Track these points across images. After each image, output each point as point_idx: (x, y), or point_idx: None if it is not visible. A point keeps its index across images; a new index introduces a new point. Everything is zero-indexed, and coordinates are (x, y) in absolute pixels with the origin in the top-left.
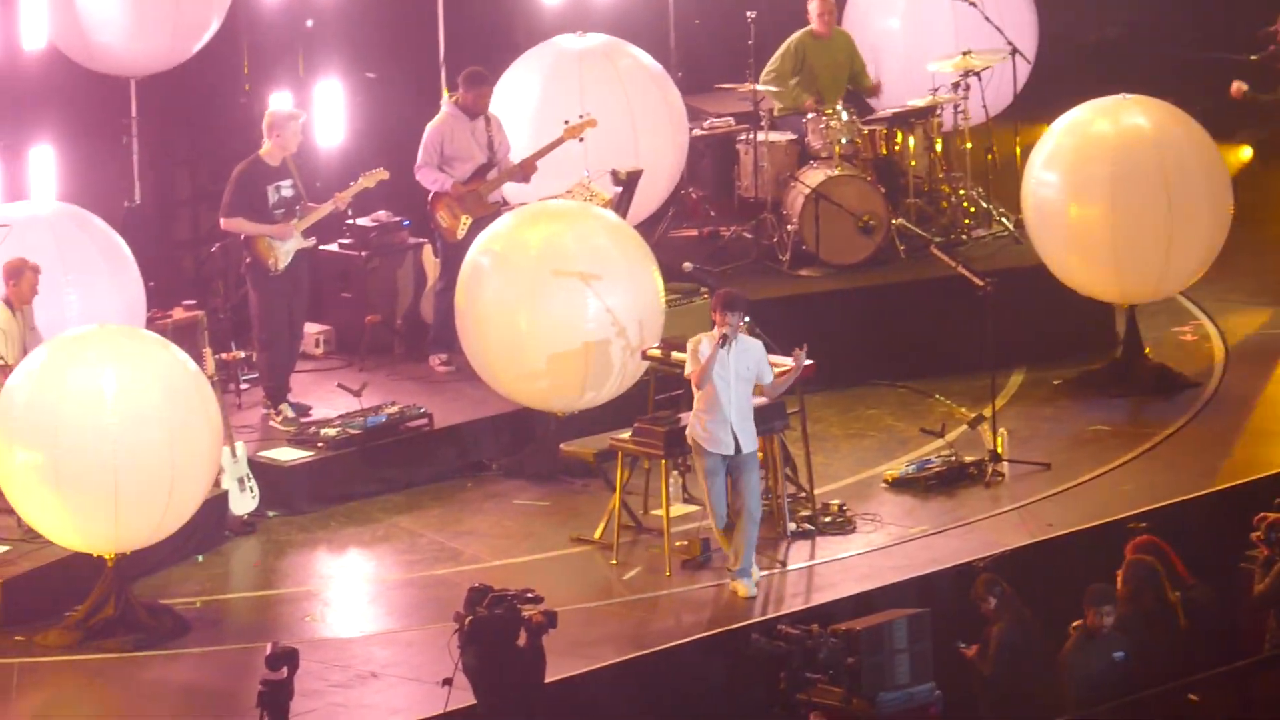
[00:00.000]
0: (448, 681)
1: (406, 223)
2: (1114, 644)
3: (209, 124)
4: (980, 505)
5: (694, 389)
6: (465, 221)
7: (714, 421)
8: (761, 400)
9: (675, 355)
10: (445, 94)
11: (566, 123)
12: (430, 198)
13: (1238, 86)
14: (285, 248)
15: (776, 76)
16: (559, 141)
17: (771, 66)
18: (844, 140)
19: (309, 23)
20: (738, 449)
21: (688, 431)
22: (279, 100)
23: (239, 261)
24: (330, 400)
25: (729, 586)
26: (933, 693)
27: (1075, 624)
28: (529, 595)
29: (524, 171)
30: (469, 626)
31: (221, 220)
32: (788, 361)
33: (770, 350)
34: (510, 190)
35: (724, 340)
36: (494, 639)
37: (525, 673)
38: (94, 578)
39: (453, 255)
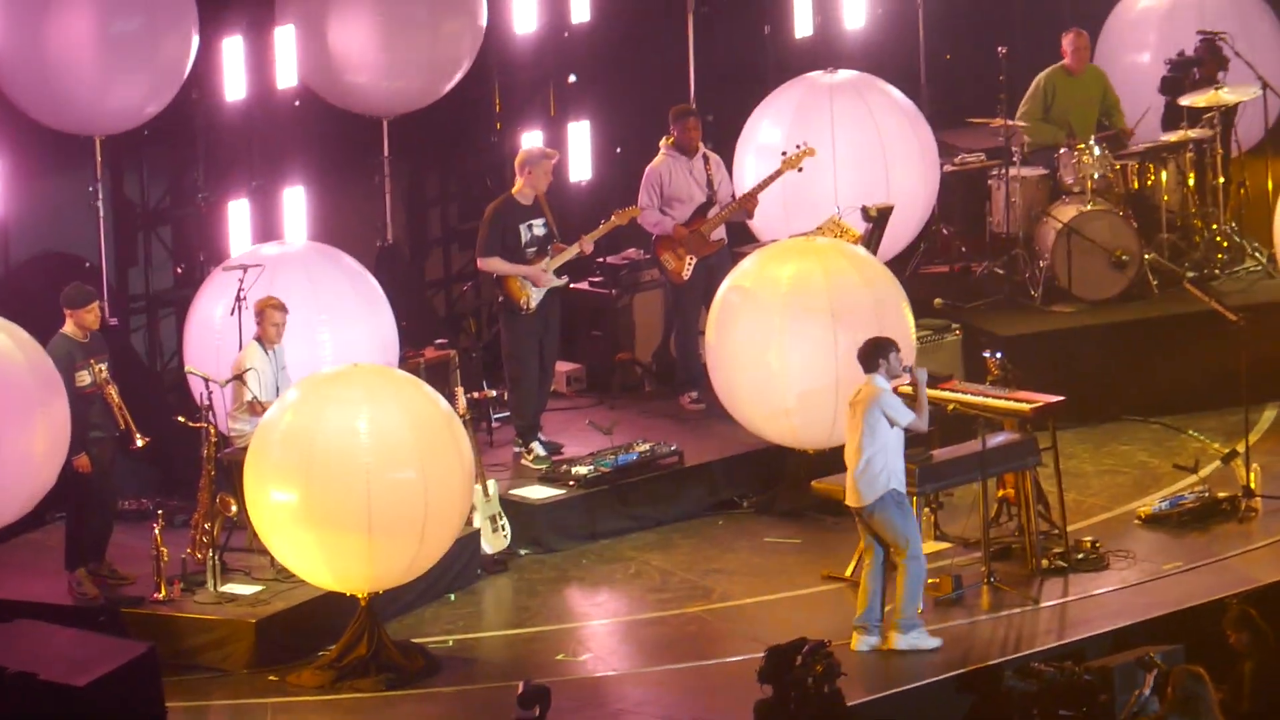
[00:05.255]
0: None
1: (655, 260)
2: None
3: (460, 163)
4: (1234, 541)
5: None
6: (690, 262)
7: (901, 459)
8: None
9: (929, 393)
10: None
11: (784, 154)
12: (654, 240)
13: None
14: (538, 287)
15: (1027, 116)
16: (778, 174)
17: (1023, 109)
18: (1096, 175)
19: (572, 78)
20: None
21: (883, 482)
22: (530, 140)
23: (491, 300)
24: (581, 438)
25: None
26: None
27: None
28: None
29: (745, 207)
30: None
31: (478, 260)
32: None
33: (1022, 386)
34: (762, 226)
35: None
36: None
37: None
38: (347, 617)
39: (682, 296)
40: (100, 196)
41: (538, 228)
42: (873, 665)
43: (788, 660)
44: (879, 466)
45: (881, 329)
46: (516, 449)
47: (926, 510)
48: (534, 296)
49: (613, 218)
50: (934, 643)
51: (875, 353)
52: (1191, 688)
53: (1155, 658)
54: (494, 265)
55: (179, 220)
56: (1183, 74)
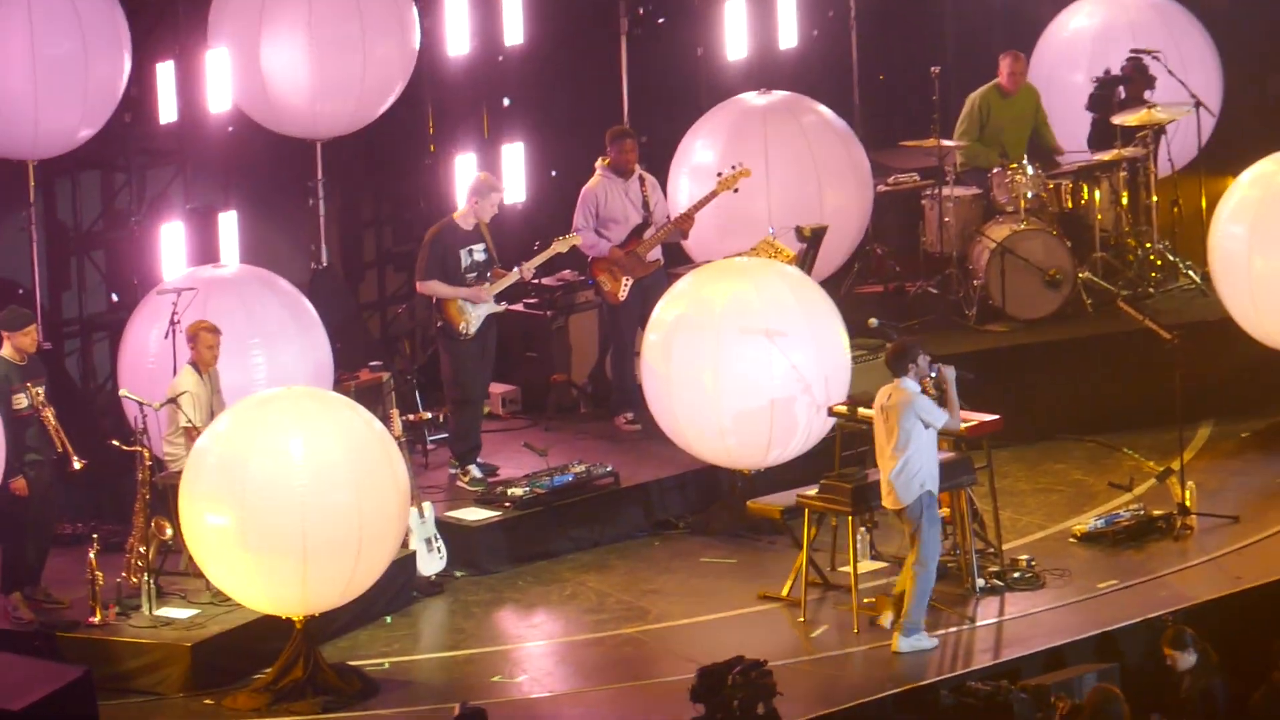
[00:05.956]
0: None
1: (591, 282)
2: None
3: (394, 186)
4: (1169, 559)
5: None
6: (626, 283)
7: (936, 460)
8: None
9: (861, 411)
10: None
11: (720, 175)
12: (590, 261)
13: None
14: (477, 312)
15: (964, 136)
16: (714, 194)
17: (959, 130)
18: (1029, 194)
19: (506, 102)
20: None
21: (918, 483)
22: (464, 163)
23: (426, 322)
24: (517, 460)
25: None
26: None
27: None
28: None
29: (681, 227)
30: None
31: (417, 284)
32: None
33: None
34: (696, 247)
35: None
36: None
37: None
38: (282, 640)
39: (619, 317)
40: (33, 220)
41: (478, 253)
42: (810, 684)
43: (719, 679)
44: (915, 468)
45: (818, 349)
46: (452, 470)
47: (862, 530)
48: (473, 321)
49: (554, 244)
50: (932, 642)
51: (904, 356)
52: (1105, 708)
53: (1084, 679)
54: (433, 289)
55: (112, 244)
56: (1109, 92)
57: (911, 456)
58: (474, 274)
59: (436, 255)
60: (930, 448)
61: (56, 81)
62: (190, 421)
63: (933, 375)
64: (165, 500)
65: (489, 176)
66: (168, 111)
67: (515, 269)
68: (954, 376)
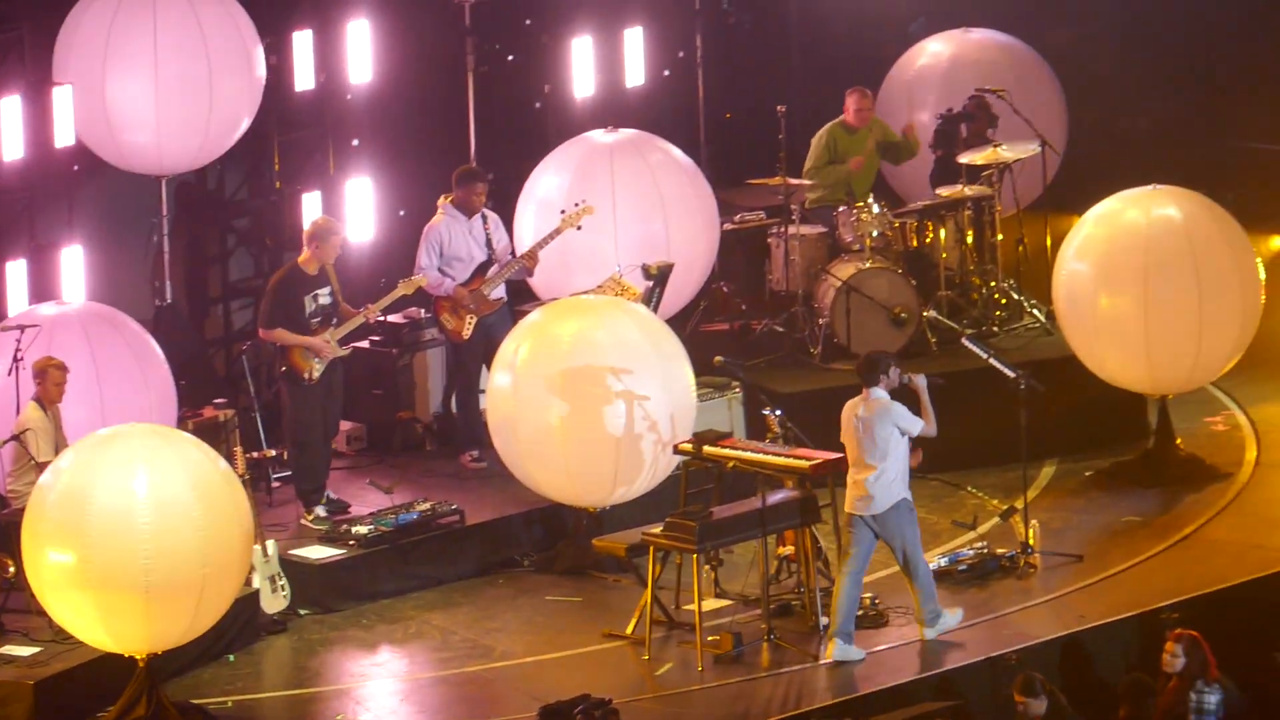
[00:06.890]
0: None
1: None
2: None
3: (240, 222)
4: (1012, 597)
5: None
6: (470, 321)
7: (908, 467)
8: None
9: (707, 449)
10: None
11: (563, 212)
12: (434, 301)
13: None
14: (321, 359)
15: (814, 172)
16: (558, 231)
17: (809, 165)
18: (875, 233)
19: (355, 143)
20: None
21: (899, 497)
22: (310, 201)
23: (270, 358)
24: (361, 498)
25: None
26: None
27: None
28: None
29: (526, 264)
30: None
31: (260, 331)
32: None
33: (802, 443)
34: (543, 284)
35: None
36: None
37: None
38: (125, 678)
39: (463, 355)
40: None
41: (323, 297)
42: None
43: (563, 718)
44: (893, 475)
45: (664, 386)
46: (298, 504)
47: (707, 568)
48: (317, 367)
49: (399, 286)
50: (956, 619)
51: (875, 367)
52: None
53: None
54: (278, 336)
55: None
56: (952, 129)
57: (890, 465)
58: (318, 319)
59: (280, 303)
60: (905, 456)
61: None
62: (41, 457)
63: (905, 382)
64: (8, 537)
65: (326, 219)
66: (12, 148)
67: (361, 311)
68: (926, 385)
